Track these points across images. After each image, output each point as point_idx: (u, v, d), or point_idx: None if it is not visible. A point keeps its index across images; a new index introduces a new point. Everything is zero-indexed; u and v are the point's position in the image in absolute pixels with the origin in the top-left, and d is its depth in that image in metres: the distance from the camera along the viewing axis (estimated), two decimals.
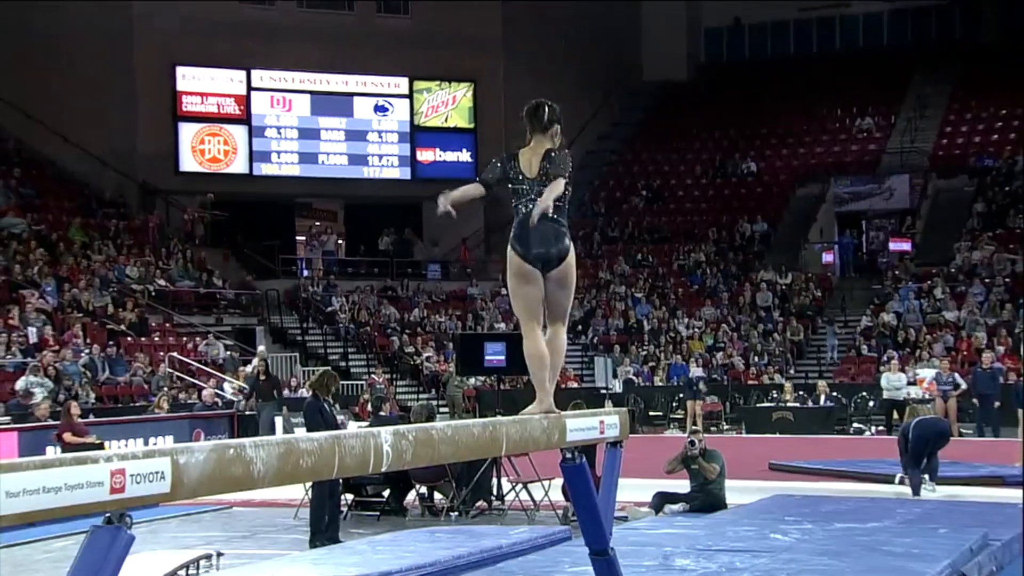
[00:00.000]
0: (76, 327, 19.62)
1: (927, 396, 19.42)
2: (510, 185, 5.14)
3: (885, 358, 21.44)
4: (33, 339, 18.57)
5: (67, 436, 12.86)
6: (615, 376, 23.19)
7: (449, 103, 29.57)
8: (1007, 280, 23.94)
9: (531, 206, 4.99)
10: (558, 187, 4.97)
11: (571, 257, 5.09)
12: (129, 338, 20.64)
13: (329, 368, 11.23)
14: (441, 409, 20.48)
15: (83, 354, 18.82)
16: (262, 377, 16.98)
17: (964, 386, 18.78)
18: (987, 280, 24.18)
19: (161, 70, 26.67)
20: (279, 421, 17.69)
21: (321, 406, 9.25)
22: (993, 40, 31.97)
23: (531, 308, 5.14)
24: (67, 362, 17.98)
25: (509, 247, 5.13)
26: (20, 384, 16.37)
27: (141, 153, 26.72)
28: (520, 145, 5.20)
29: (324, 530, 9.14)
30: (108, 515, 2.93)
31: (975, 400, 18.73)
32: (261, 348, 22.38)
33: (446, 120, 29.55)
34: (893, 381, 19.41)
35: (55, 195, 25.47)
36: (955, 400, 18.81)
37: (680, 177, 31.88)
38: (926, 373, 19.93)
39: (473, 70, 29.38)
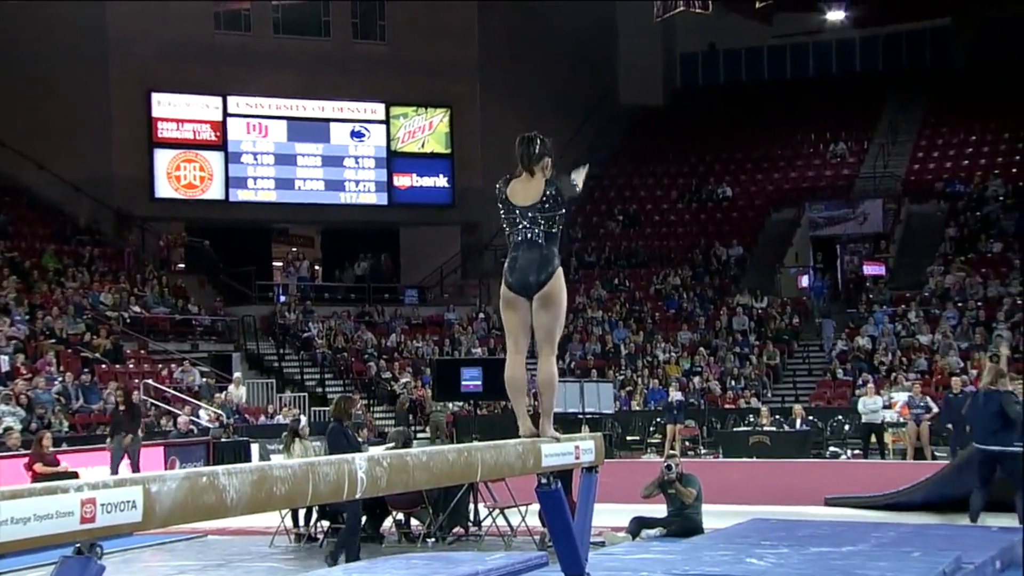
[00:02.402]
0: (49, 355, 19.46)
1: (902, 420, 19.53)
2: (502, 214, 5.24)
3: (860, 382, 21.55)
4: (5, 367, 18.40)
5: (37, 467, 12.73)
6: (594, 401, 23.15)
7: (426, 128, 29.65)
8: (979, 304, 24.15)
9: (526, 235, 5.13)
10: (578, 185, 5.24)
11: (556, 281, 5.15)
12: (103, 365, 20.49)
13: (347, 394, 11.25)
14: (419, 435, 20.40)
15: (56, 382, 18.66)
16: (122, 407, 15.12)
17: (936, 409, 18.87)
18: (960, 304, 24.38)
19: (137, 96, 26.63)
20: (255, 449, 17.60)
21: (345, 430, 9.41)
22: (963, 67, 32.39)
23: (512, 333, 5.24)
24: (39, 390, 17.82)
25: (503, 280, 5.26)
26: None
27: (116, 179, 26.63)
28: (509, 172, 5.30)
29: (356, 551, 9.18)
30: (78, 545, 2.91)
31: (949, 425, 18.79)
32: (237, 374, 22.33)
33: (423, 145, 29.62)
34: (869, 405, 19.50)
35: (29, 222, 25.34)
36: (927, 424, 18.89)
37: (656, 201, 32.04)
38: (901, 396, 20.04)
39: (450, 96, 29.49)
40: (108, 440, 14.98)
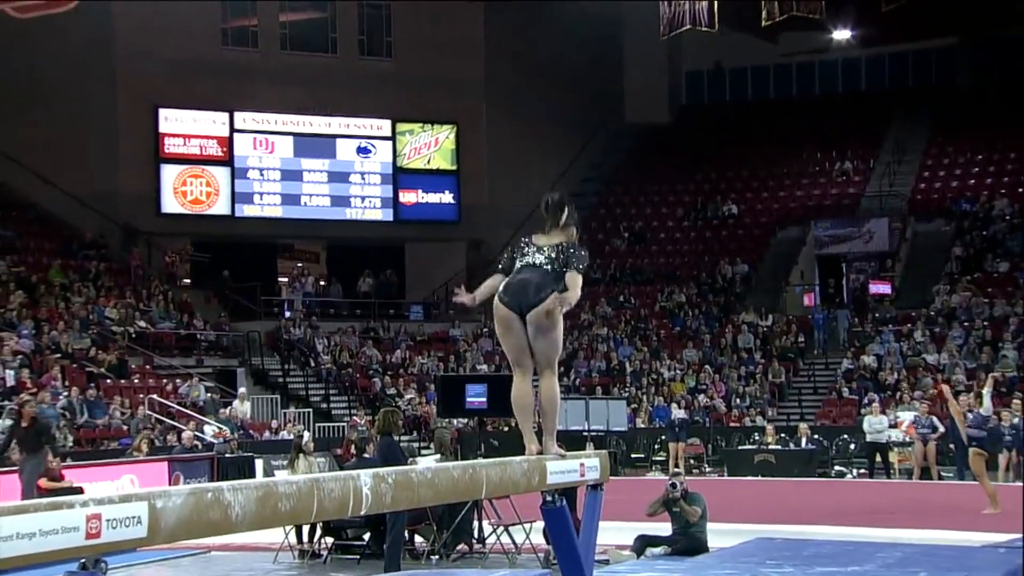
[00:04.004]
0: (54, 369, 19.46)
1: (907, 439, 19.47)
2: (516, 257, 5.32)
3: (866, 400, 21.49)
4: (10, 382, 18.39)
5: (42, 482, 12.71)
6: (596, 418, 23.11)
7: (432, 145, 29.71)
8: (985, 324, 24.09)
9: (533, 260, 5.19)
10: (577, 284, 5.15)
11: (552, 302, 5.12)
12: (108, 380, 20.49)
13: (389, 408, 11.20)
14: (423, 452, 20.37)
15: (61, 397, 18.66)
16: (24, 423, 13.48)
17: (942, 429, 18.80)
18: (966, 323, 24.32)
19: (143, 112, 26.71)
20: (260, 465, 17.57)
21: (397, 444, 9.57)
22: (969, 86, 32.42)
23: (514, 356, 5.25)
24: (45, 405, 17.80)
25: (496, 297, 5.24)
26: None
27: (123, 195, 26.68)
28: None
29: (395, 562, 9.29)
30: (83, 561, 2.91)
31: (952, 445, 18.72)
32: (242, 390, 22.32)
33: (429, 162, 29.67)
34: (875, 424, 19.45)
35: (36, 237, 25.38)
36: (934, 444, 18.81)
37: (662, 219, 32.06)
38: (907, 416, 19.98)
39: (456, 112, 29.55)
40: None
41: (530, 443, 5.24)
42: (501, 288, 5.22)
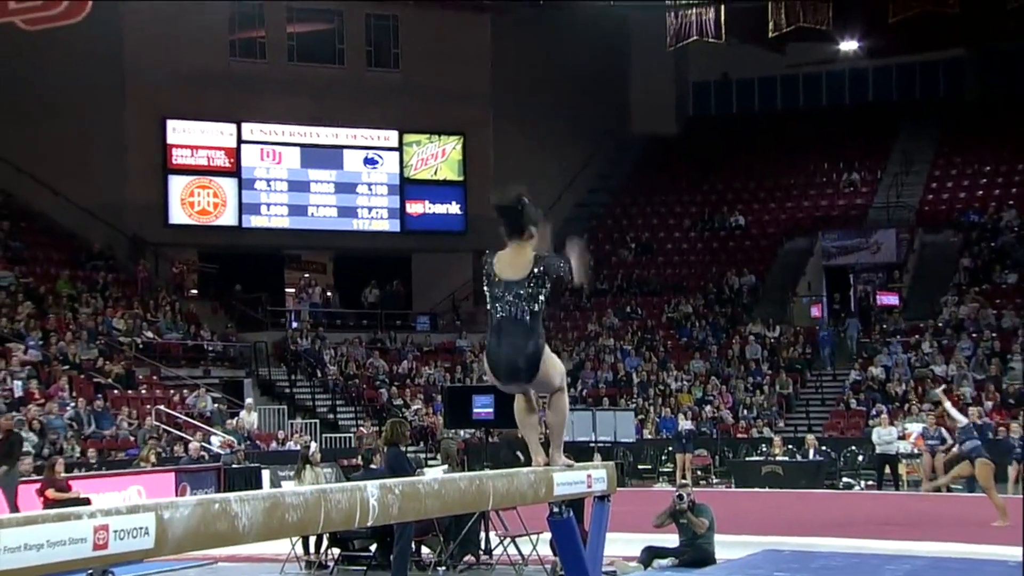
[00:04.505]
0: (62, 380, 19.50)
1: (916, 451, 19.40)
2: (485, 288, 4.92)
3: (874, 412, 21.44)
4: (18, 393, 18.43)
5: (49, 493, 12.72)
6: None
7: (439, 156, 29.75)
8: (994, 336, 24.02)
9: (510, 311, 4.77)
10: (576, 269, 4.93)
11: (545, 365, 4.84)
12: (116, 391, 20.52)
13: (396, 418, 11.22)
14: (430, 463, 20.33)
15: (69, 407, 18.69)
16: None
17: (951, 441, 18.71)
18: (974, 335, 24.26)
19: (151, 123, 26.80)
20: (266, 475, 17.56)
21: (405, 455, 9.53)
22: (975, 98, 32.40)
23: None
24: (52, 416, 17.84)
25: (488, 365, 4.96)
26: None
27: (131, 206, 26.76)
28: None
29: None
30: (90, 572, 2.91)
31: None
32: (249, 400, 22.33)
33: (436, 173, 29.71)
34: (884, 435, 19.38)
35: (44, 248, 25.46)
36: (942, 455, 18.73)
37: (669, 230, 32.05)
38: (915, 427, 19.91)
39: (463, 123, 29.60)
40: None
41: (536, 454, 5.23)
42: (488, 363, 4.89)
